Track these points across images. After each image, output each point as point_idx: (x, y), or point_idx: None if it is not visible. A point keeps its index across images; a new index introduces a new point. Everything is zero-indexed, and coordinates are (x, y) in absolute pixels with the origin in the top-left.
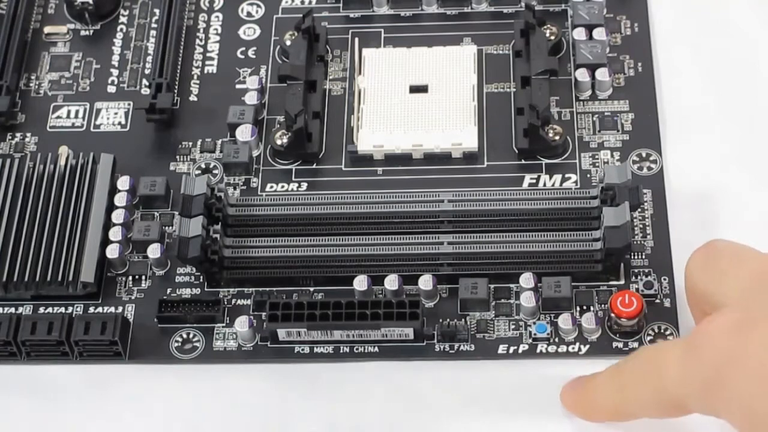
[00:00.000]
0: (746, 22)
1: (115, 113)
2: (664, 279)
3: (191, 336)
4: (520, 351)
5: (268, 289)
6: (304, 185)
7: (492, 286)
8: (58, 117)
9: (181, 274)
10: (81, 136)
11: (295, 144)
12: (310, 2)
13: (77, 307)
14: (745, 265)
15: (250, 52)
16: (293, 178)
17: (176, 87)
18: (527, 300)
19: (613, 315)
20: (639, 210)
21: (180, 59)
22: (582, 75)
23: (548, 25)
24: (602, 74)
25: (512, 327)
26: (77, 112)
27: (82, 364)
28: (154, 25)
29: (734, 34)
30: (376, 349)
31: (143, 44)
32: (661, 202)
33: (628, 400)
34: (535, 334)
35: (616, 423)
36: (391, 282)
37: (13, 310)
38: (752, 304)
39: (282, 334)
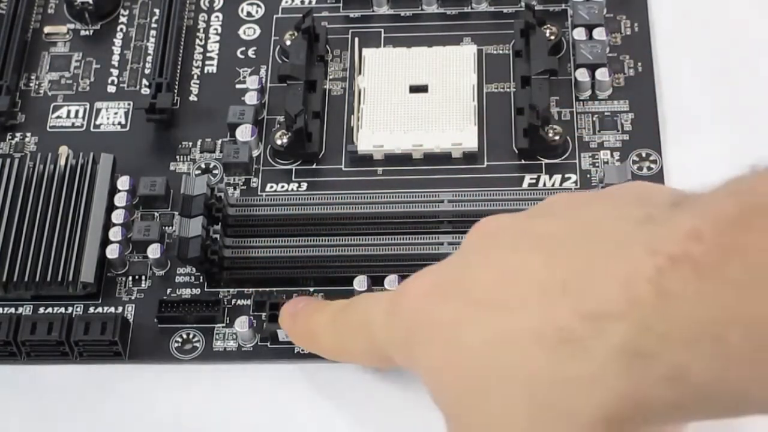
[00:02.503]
0: (746, 22)
1: (115, 113)
2: None
3: (191, 336)
4: None
5: (268, 289)
6: (304, 185)
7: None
8: (58, 117)
9: (181, 274)
10: (81, 136)
11: (295, 144)
12: (310, 2)
13: (77, 307)
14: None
15: (250, 52)
16: (293, 178)
17: (176, 87)
18: None
19: None
20: None
21: (180, 59)
22: (582, 75)
23: (548, 25)
24: (602, 74)
25: None
26: (77, 112)
27: (82, 364)
28: (154, 25)
29: (734, 34)
30: None
31: (143, 44)
32: None
33: (345, 346)
34: None
35: None
36: (391, 282)
37: (13, 310)
38: (447, 269)
39: (282, 334)
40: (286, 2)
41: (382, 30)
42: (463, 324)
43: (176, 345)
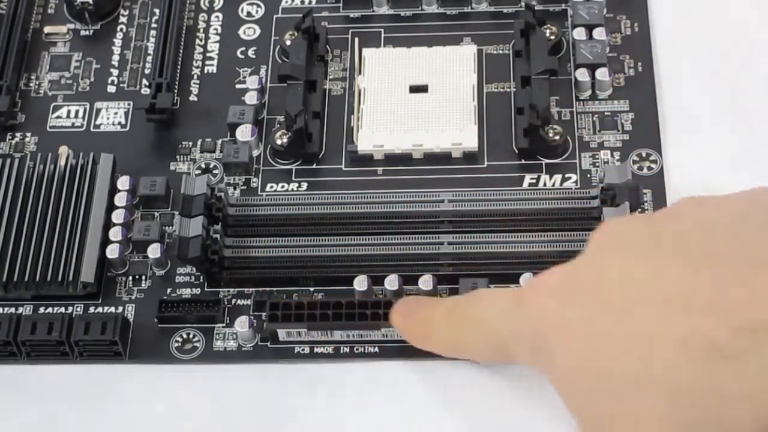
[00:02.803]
0: (746, 22)
1: (115, 113)
2: None
3: (191, 336)
4: None
5: (268, 289)
6: (304, 185)
7: (492, 286)
8: (58, 117)
9: (181, 274)
10: (81, 136)
11: (295, 144)
12: (310, 2)
13: (77, 307)
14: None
15: (250, 52)
16: (293, 178)
17: (176, 87)
18: None
19: None
20: (639, 210)
21: (180, 59)
22: (582, 75)
23: (548, 25)
24: (602, 74)
25: None
26: (77, 112)
27: (82, 364)
28: (154, 25)
29: (734, 34)
30: (376, 349)
31: (143, 44)
32: (661, 202)
33: (462, 341)
34: None
35: None
36: (391, 282)
37: (13, 310)
38: (576, 268)
39: (282, 334)
40: (286, 2)
41: (382, 30)
42: (597, 325)
43: (176, 345)
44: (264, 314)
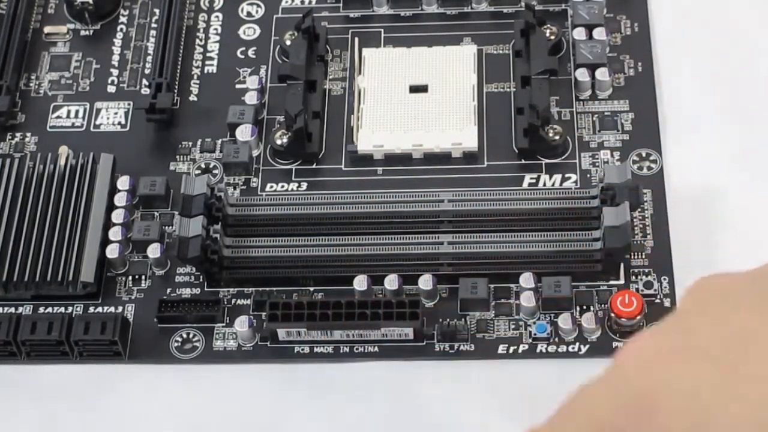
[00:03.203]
0: (746, 22)
1: (115, 113)
2: (664, 279)
3: (191, 336)
4: (520, 351)
5: (268, 289)
6: (304, 185)
7: (492, 286)
8: (58, 117)
9: (181, 274)
10: (81, 136)
11: (295, 144)
12: (310, 2)
13: (77, 307)
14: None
15: (250, 52)
16: (293, 178)
17: (176, 87)
18: (527, 300)
19: (613, 315)
20: (639, 210)
21: (180, 59)
22: (582, 75)
23: (548, 25)
24: (602, 74)
25: (512, 327)
26: (77, 112)
27: (82, 364)
28: (154, 25)
29: (734, 34)
30: (376, 349)
31: (143, 44)
32: (661, 202)
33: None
34: (535, 334)
35: None
36: (391, 282)
37: (13, 310)
38: (667, 332)
39: (282, 334)
40: (286, 2)
41: (382, 30)
42: (710, 389)
43: (176, 345)
44: (264, 314)
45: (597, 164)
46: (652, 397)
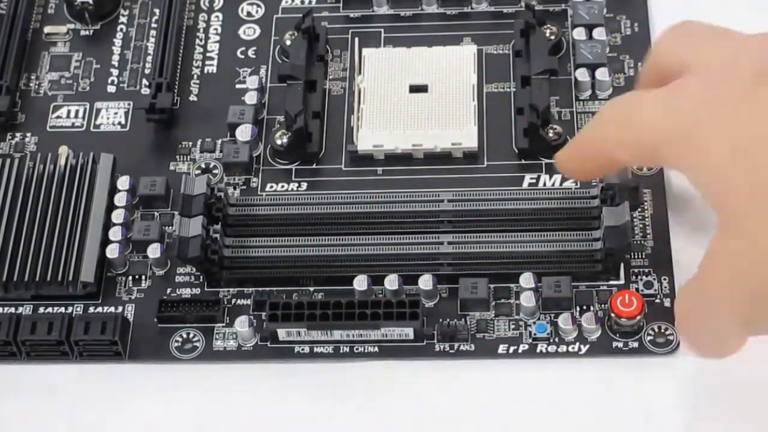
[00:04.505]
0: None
1: (115, 113)
2: (664, 279)
3: (191, 336)
4: (520, 351)
5: (268, 289)
6: (304, 185)
7: (492, 286)
8: (58, 117)
9: (181, 274)
10: (81, 136)
11: (295, 144)
12: (310, 2)
13: (77, 307)
14: (730, 38)
15: (250, 52)
16: (293, 178)
17: (176, 87)
18: (527, 300)
19: (613, 315)
20: (639, 210)
21: (180, 59)
22: (582, 75)
23: (548, 25)
24: (602, 74)
25: (512, 327)
26: (77, 112)
27: (82, 363)
28: (154, 25)
29: None
30: (376, 349)
31: (143, 44)
32: (661, 202)
33: (606, 138)
34: (535, 334)
35: None
36: (391, 282)
37: (13, 310)
38: (737, 71)
39: (282, 334)
40: (286, 2)
41: (382, 30)
42: (763, 114)
43: (176, 345)
44: (264, 314)
45: None
46: (700, 123)
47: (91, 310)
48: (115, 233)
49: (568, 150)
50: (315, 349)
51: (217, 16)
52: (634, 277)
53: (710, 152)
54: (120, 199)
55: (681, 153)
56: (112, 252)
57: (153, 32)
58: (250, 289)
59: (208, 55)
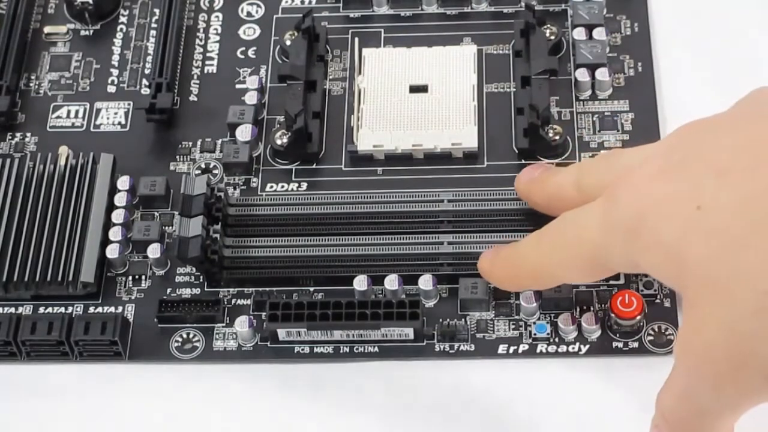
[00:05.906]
0: (746, 23)
1: (115, 113)
2: None
3: (191, 336)
4: (520, 351)
5: (268, 289)
6: (304, 185)
7: (492, 286)
8: (58, 117)
9: (181, 274)
10: (81, 136)
11: (295, 144)
12: (310, 2)
13: (77, 307)
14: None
15: (250, 52)
16: (293, 178)
17: (176, 87)
18: (527, 300)
19: (613, 315)
20: None
21: (180, 59)
22: (582, 75)
23: (548, 25)
24: (602, 74)
25: (512, 327)
26: (77, 112)
27: (82, 363)
28: (154, 25)
29: (734, 34)
30: (376, 349)
31: (143, 44)
32: None
33: (550, 260)
34: (535, 334)
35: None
36: (391, 282)
37: (13, 310)
38: (675, 153)
39: (282, 334)
40: (286, 2)
41: (382, 30)
42: (706, 190)
43: (176, 345)
44: (264, 314)
45: None
46: (644, 214)
47: (91, 310)
48: (115, 233)
49: (501, 268)
50: (315, 349)
51: (217, 16)
52: (634, 277)
53: (659, 239)
54: (120, 199)
55: (631, 252)
56: (112, 252)
57: (153, 32)
58: (250, 289)
59: (208, 55)
